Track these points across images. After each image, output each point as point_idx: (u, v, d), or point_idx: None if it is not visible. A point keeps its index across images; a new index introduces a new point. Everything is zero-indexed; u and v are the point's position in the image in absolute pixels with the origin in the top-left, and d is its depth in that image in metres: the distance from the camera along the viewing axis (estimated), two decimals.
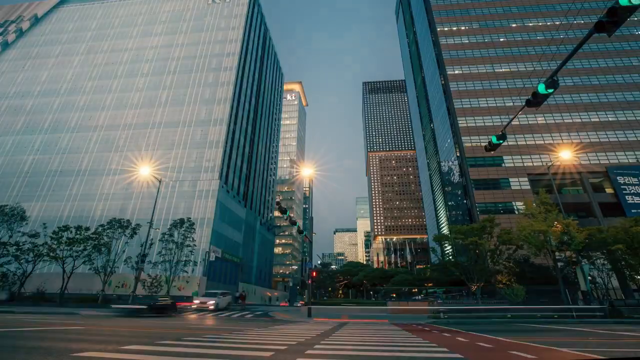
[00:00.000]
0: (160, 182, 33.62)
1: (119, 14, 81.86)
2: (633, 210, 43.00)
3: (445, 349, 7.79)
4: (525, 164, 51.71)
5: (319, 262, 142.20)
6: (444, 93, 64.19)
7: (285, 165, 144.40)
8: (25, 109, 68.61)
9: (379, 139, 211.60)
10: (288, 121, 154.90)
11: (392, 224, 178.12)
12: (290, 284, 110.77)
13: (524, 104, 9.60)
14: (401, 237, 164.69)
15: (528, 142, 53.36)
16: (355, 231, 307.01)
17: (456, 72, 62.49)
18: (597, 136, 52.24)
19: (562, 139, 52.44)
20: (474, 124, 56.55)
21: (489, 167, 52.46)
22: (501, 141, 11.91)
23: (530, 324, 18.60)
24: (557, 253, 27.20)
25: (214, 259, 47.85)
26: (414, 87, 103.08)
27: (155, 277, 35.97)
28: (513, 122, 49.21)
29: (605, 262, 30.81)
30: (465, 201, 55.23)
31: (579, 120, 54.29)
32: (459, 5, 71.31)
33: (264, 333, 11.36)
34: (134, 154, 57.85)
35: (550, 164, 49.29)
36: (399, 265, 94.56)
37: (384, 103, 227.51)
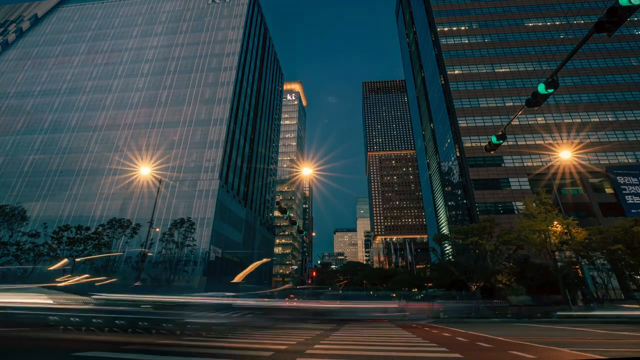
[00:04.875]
0: (160, 182, 33.62)
1: (119, 14, 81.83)
2: (633, 210, 42.95)
3: (445, 349, 7.80)
4: (525, 164, 51.68)
5: (319, 262, 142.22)
6: (443, 93, 64.16)
7: (285, 165, 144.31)
8: (25, 109, 68.58)
9: (379, 139, 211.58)
10: (288, 121, 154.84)
11: (392, 224, 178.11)
12: (290, 284, 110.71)
13: (524, 104, 9.61)
14: (401, 237, 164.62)
15: (528, 142, 53.31)
16: (355, 231, 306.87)
17: (456, 72, 62.46)
18: (597, 136, 52.18)
19: (562, 139, 52.40)
20: (474, 124, 56.52)
21: (489, 167, 52.44)
22: (501, 141, 11.93)
23: (531, 323, 18.60)
24: (557, 253, 27.22)
25: (214, 258, 47.86)
26: (413, 87, 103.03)
27: (156, 277, 35.99)
28: (513, 122, 49.25)
29: (605, 262, 30.80)
30: (465, 201, 55.21)
31: (579, 120, 54.24)
32: (459, 5, 71.25)
33: (264, 333, 11.36)
34: (134, 154, 57.84)
35: (550, 163, 49.46)
36: (399, 265, 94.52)
37: (384, 103, 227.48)
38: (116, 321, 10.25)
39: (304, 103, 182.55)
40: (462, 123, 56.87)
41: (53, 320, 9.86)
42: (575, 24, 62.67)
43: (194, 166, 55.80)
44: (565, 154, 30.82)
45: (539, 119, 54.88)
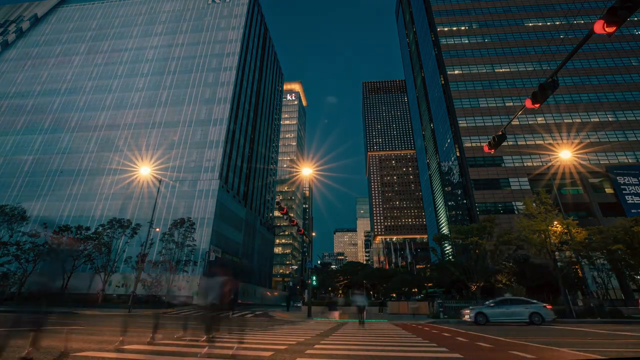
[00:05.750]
0: (160, 182, 33.64)
1: (119, 14, 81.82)
2: (633, 210, 42.92)
3: (444, 349, 7.80)
4: (525, 164, 51.66)
5: (319, 262, 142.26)
6: (443, 93, 64.16)
7: (285, 165, 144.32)
8: (25, 109, 68.57)
9: (379, 139, 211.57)
10: (288, 121, 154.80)
11: (392, 224, 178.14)
12: (290, 284, 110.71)
13: (523, 104, 9.61)
14: (401, 237, 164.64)
15: (528, 142, 53.30)
16: (355, 231, 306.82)
17: (456, 72, 62.44)
18: (597, 136, 52.14)
19: (562, 139, 52.39)
20: (474, 124, 56.50)
21: (489, 167, 52.42)
22: (501, 141, 11.94)
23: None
24: (557, 253, 27.21)
25: (214, 258, 47.84)
26: (413, 87, 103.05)
27: (156, 277, 35.97)
28: (513, 122, 49.20)
29: (605, 262, 30.78)
30: (465, 201, 55.20)
31: (579, 120, 54.23)
32: (459, 5, 71.21)
33: (264, 333, 11.37)
34: (134, 154, 57.83)
35: (550, 164, 49.44)
36: (399, 265, 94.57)
37: (384, 103, 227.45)
38: None
39: (304, 103, 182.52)
40: (462, 123, 56.86)
41: None
42: (575, 24, 62.67)
43: (194, 166, 55.80)
44: (565, 154, 30.77)
45: (539, 119, 54.87)
